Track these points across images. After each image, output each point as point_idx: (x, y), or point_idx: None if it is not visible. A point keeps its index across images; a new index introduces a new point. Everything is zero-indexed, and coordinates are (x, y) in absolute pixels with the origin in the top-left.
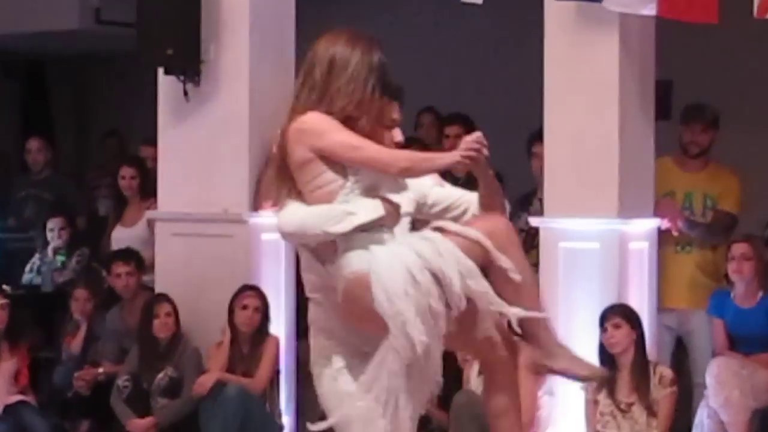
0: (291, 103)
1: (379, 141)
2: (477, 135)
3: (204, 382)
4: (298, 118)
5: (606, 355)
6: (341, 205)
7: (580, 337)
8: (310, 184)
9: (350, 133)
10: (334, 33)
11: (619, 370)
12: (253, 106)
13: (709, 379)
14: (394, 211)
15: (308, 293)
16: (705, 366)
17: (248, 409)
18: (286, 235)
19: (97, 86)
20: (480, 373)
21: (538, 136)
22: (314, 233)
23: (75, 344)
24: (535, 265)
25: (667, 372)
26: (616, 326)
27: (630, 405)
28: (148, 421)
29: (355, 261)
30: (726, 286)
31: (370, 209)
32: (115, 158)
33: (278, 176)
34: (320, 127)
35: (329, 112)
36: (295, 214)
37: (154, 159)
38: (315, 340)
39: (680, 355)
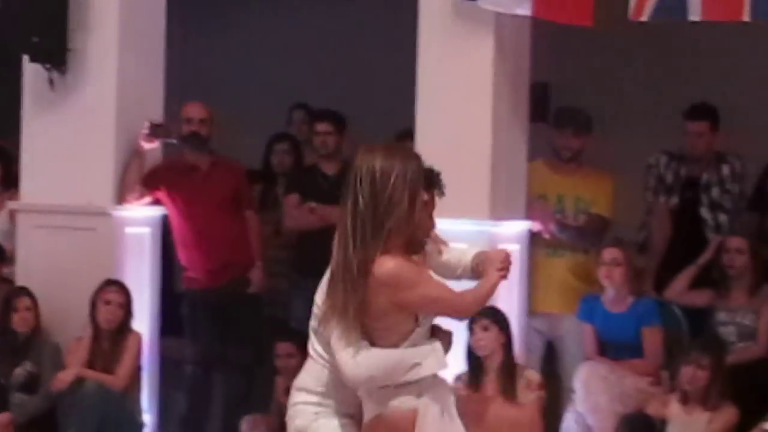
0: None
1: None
2: (507, 252)
3: (63, 378)
4: (377, 264)
5: (473, 357)
6: (410, 355)
7: None
8: (382, 329)
9: (428, 282)
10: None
11: (486, 374)
12: (120, 97)
13: (578, 384)
14: (448, 344)
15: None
16: (574, 370)
17: (107, 406)
18: (354, 383)
19: None
20: None
21: (404, 135)
22: (384, 383)
23: None
24: None
25: (535, 376)
26: (485, 328)
27: None
28: (4, 416)
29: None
30: (598, 291)
31: (433, 362)
32: None
33: (355, 318)
34: (405, 282)
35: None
36: (362, 365)
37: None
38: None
39: (551, 359)
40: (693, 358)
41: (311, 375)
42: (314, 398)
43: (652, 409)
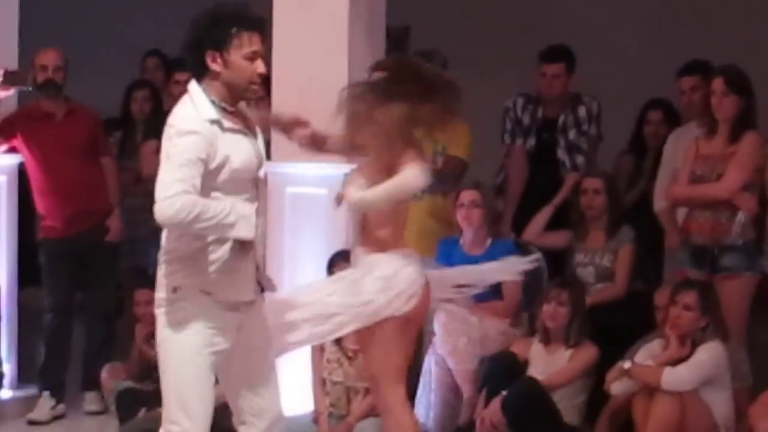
0: None
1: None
2: None
3: None
4: None
5: None
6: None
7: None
8: None
9: None
10: None
11: None
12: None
13: (437, 327)
14: None
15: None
16: (433, 314)
17: None
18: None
19: None
20: None
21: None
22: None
23: None
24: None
25: None
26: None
27: (356, 352)
28: None
29: None
30: (456, 233)
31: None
32: None
33: None
34: None
35: None
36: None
37: None
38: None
39: None
40: (553, 295)
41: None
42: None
43: (516, 349)
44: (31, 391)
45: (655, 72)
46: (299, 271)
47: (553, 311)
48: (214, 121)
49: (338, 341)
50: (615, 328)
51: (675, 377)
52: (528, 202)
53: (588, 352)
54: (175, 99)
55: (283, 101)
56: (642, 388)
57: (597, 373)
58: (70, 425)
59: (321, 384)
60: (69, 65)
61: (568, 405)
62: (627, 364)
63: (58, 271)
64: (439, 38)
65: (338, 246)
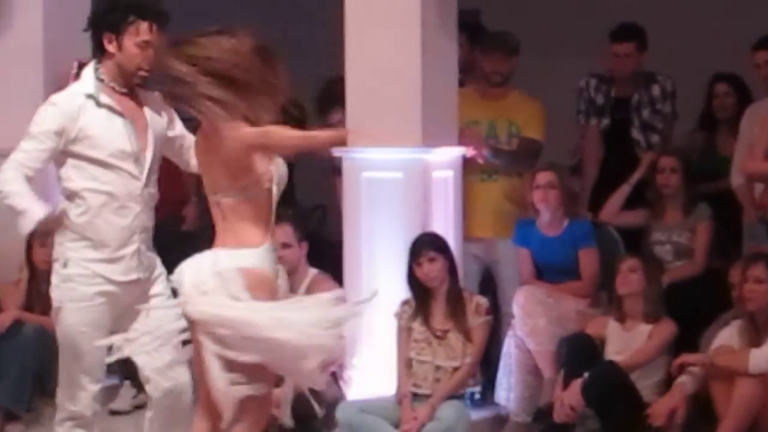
0: None
1: None
2: None
3: (1, 321)
4: None
5: (419, 286)
6: None
7: (385, 266)
8: None
9: None
10: None
11: (434, 299)
12: (48, 40)
13: (516, 308)
14: None
15: None
16: (512, 295)
17: (47, 349)
18: None
19: None
20: None
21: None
22: None
23: None
24: None
25: (483, 301)
26: (432, 260)
27: (446, 332)
28: None
29: None
30: (532, 215)
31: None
32: None
33: None
34: None
35: None
36: None
37: None
38: None
39: (488, 284)
40: (624, 264)
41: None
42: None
43: (591, 329)
44: (113, 381)
45: (729, 47)
46: (377, 255)
47: (624, 278)
48: (89, 96)
49: (426, 321)
50: (694, 306)
51: (762, 359)
52: (604, 182)
53: (666, 328)
54: None
55: (356, 86)
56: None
57: (675, 351)
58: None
59: (406, 365)
60: None
61: (646, 383)
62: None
63: None
64: (510, 20)
65: (416, 230)
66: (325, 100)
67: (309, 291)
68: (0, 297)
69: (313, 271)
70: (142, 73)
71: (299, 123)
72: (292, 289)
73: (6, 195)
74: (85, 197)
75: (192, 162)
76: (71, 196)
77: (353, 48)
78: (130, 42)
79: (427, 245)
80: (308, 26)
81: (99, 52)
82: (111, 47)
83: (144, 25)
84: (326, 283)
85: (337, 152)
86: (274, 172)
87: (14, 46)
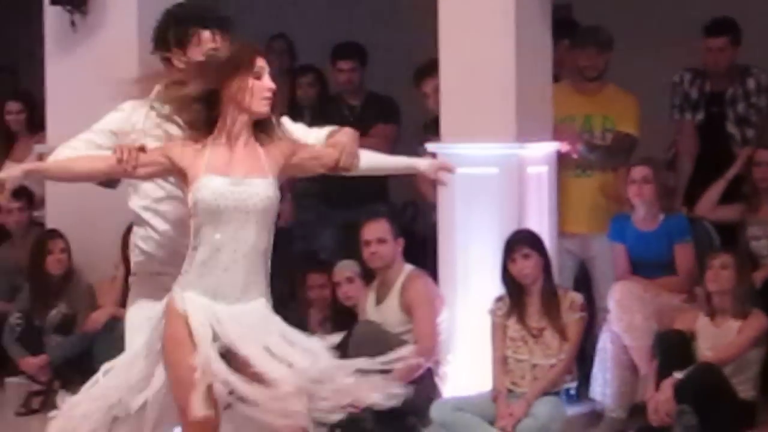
0: None
1: None
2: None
3: (97, 318)
4: None
5: (513, 282)
6: None
7: (481, 262)
8: None
9: None
10: None
11: (529, 296)
12: (143, 35)
13: (612, 304)
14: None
15: None
16: (607, 290)
17: None
18: None
19: None
20: (377, 303)
21: (423, 73)
22: None
23: None
24: None
25: (577, 297)
26: (526, 256)
27: (541, 330)
28: (41, 359)
29: None
30: (627, 210)
31: None
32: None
33: None
34: None
35: None
36: None
37: None
38: None
39: (583, 280)
40: (715, 260)
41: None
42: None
43: (681, 324)
44: None
45: None
46: (472, 251)
47: (715, 274)
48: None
49: (521, 319)
50: None
51: None
52: (699, 177)
53: (757, 321)
54: (340, 86)
55: (450, 82)
56: None
57: None
58: None
59: (501, 362)
60: None
61: (741, 379)
62: None
63: None
64: (602, 15)
65: (511, 226)
66: (420, 72)
67: (404, 287)
68: (96, 294)
69: (408, 267)
70: None
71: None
72: (387, 285)
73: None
74: None
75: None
76: None
77: (448, 43)
78: (197, 54)
79: (521, 241)
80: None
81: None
82: (181, 63)
83: (206, 34)
84: (421, 279)
85: (431, 148)
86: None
87: (110, 47)
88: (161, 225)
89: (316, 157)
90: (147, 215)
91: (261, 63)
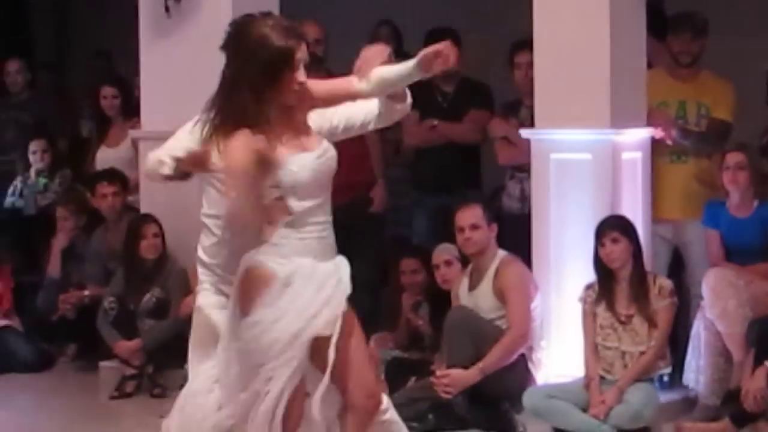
0: None
1: None
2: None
3: (190, 303)
4: None
5: (603, 268)
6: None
7: (574, 249)
8: None
9: None
10: None
11: (618, 283)
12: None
13: (706, 290)
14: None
15: None
16: (701, 277)
17: None
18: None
19: (79, 4)
20: (470, 288)
21: (520, 46)
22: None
23: (50, 265)
24: None
25: (666, 283)
26: (615, 241)
27: (630, 317)
28: (135, 342)
29: None
30: (722, 196)
31: None
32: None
33: None
34: None
35: None
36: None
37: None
38: None
39: (676, 266)
40: None
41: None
42: (201, 269)
43: None
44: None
45: None
46: (565, 237)
47: None
48: None
49: (610, 306)
50: None
51: None
52: None
53: None
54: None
55: (544, 68)
56: None
57: None
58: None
59: (593, 349)
60: (329, 38)
61: None
62: None
63: None
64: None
65: (604, 212)
66: (516, 45)
67: (498, 272)
68: (190, 279)
69: (502, 253)
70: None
71: None
72: (480, 271)
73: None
74: None
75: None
76: None
77: (542, 29)
78: None
79: (611, 226)
80: None
81: None
82: None
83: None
84: (515, 264)
85: (525, 133)
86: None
87: (203, 31)
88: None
89: (332, 90)
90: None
91: (300, 55)
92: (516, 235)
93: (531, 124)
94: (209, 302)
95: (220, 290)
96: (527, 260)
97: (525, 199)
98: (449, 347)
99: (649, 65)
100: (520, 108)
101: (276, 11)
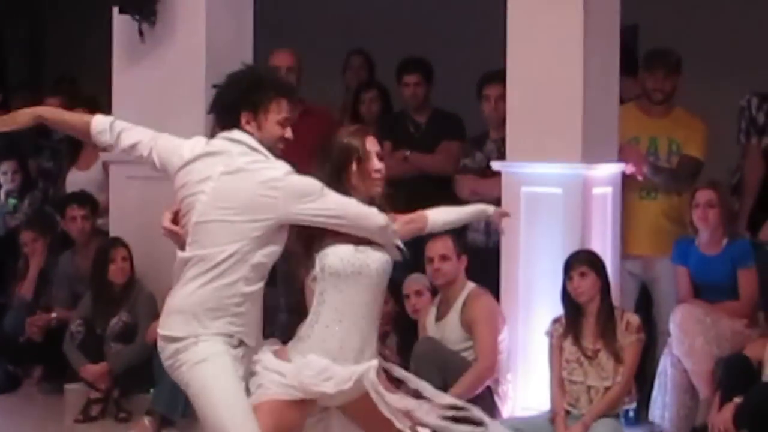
0: None
1: None
2: None
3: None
4: None
5: (571, 302)
6: None
7: (543, 282)
8: None
9: None
10: None
11: (585, 317)
12: (210, 47)
13: (673, 327)
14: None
15: None
16: (669, 313)
17: None
18: None
19: (51, 27)
20: (437, 319)
21: (489, 78)
22: None
23: (25, 287)
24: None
25: (634, 319)
26: (582, 275)
27: (596, 351)
28: (101, 366)
29: None
30: (691, 233)
31: None
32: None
33: None
34: None
35: None
36: None
37: None
38: None
39: (645, 302)
40: None
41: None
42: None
43: (750, 351)
44: None
45: None
46: (534, 270)
47: None
48: None
49: (577, 341)
50: None
51: None
52: (764, 202)
53: None
54: (405, 100)
55: (516, 100)
56: None
57: None
58: None
59: (559, 384)
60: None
61: None
62: None
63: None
64: (668, 36)
65: (574, 246)
66: (486, 77)
67: (466, 304)
68: (158, 303)
69: (470, 285)
70: (279, 146)
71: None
72: (448, 302)
73: None
74: None
75: None
76: None
77: (515, 61)
78: (272, 120)
79: (579, 260)
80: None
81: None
82: (249, 127)
83: (284, 102)
84: (483, 296)
85: (496, 166)
86: None
87: (177, 56)
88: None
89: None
90: None
91: (370, 146)
92: (480, 268)
93: (497, 158)
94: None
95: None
96: (493, 293)
97: (489, 232)
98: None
99: (621, 101)
100: (485, 141)
101: (250, 38)
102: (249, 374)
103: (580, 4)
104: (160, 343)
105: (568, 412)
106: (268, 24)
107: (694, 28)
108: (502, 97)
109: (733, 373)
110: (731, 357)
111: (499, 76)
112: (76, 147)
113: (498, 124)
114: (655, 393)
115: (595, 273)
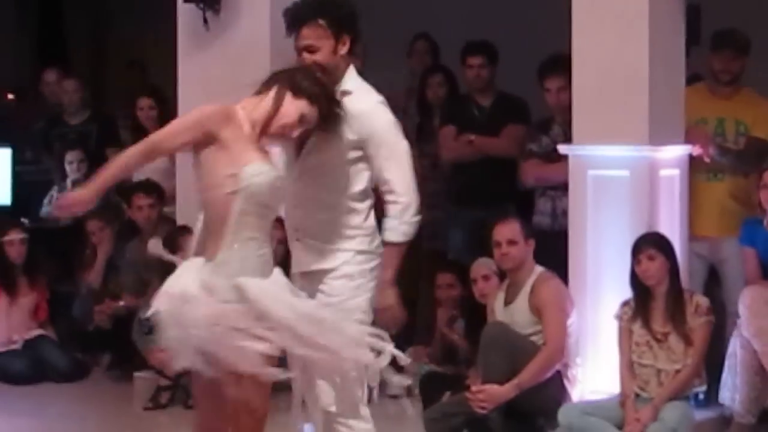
0: None
1: None
2: None
3: None
4: None
5: (639, 285)
6: None
7: (610, 265)
8: None
9: None
10: None
11: (654, 300)
12: (274, 33)
13: (742, 308)
14: None
15: None
16: (738, 295)
17: None
18: None
19: (116, 14)
20: (506, 303)
21: (547, 70)
22: None
23: (92, 275)
24: None
25: (703, 301)
26: (651, 258)
27: (666, 334)
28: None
29: None
30: (758, 214)
31: None
32: (137, 89)
33: None
34: None
35: None
36: None
37: None
38: None
39: (713, 284)
40: None
41: None
42: None
43: None
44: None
45: None
46: (602, 254)
47: None
48: None
49: (646, 323)
50: None
51: None
52: None
53: None
54: (470, 82)
55: (582, 83)
56: None
57: None
58: (373, 409)
59: (629, 367)
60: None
61: None
62: None
63: None
64: (732, 17)
65: (641, 229)
66: (544, 68)
67: (534, 288)
68: None
69: (539, 269)
70: None
71: None
72: (516, 286)
73: None
74: None
75: None
76: None
77: (581, 44)
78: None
79: (647, 243)
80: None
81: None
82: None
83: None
84: (552, 280)
85: (562, 149)
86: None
87: (241, 44)
88: None
89: None
90: None
91: None
92: (546, 251)
93: (563, 141)
94: None
95: None
96: (560, 276)
97: (556, 215)
98: (485, 362)
99: (689, 81)
100: (552, 125)
101: None
102: None
103: None
104: None
105: (637, 395)
106: None
107: (758, 7)
108: (564, 88)
109: None
110: None
111: (557, 66)
112: (140, 134)
113: (562, 111)
114: (724, 375)
115: (664, 255)
